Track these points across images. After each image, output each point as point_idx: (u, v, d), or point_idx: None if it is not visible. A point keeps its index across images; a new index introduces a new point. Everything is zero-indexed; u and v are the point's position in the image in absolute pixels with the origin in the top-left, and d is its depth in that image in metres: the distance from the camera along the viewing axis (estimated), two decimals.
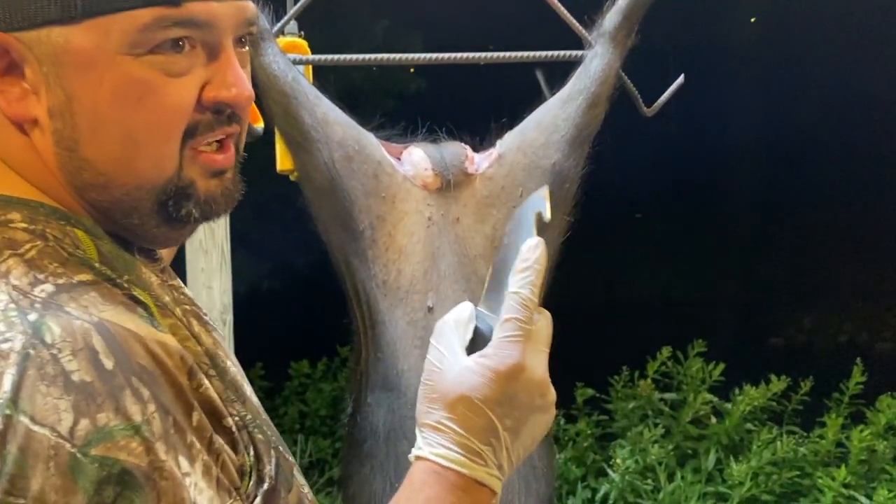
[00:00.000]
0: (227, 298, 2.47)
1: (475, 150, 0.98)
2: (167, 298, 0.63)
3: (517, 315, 0.59)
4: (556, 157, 0.93)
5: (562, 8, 1.04)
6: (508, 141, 0.96)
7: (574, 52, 1.03)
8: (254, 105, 1.00)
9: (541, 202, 0.61)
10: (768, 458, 3.09)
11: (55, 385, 0.47)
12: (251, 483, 0.58)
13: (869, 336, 5.54)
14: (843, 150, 4.88)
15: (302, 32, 1.12)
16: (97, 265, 0.56)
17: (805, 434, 3.22)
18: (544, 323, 0.62)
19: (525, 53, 1.04)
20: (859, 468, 2.91)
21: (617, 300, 5.15)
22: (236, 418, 0.60)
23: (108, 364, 0.49)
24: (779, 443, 3.10)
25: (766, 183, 5.25)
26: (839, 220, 5.16)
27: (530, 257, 0.60)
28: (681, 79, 1.08)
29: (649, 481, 3.21)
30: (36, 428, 0.46)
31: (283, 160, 0.95)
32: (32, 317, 0.49)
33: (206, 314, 0.70)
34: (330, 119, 0.93)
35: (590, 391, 3.62)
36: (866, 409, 3.29)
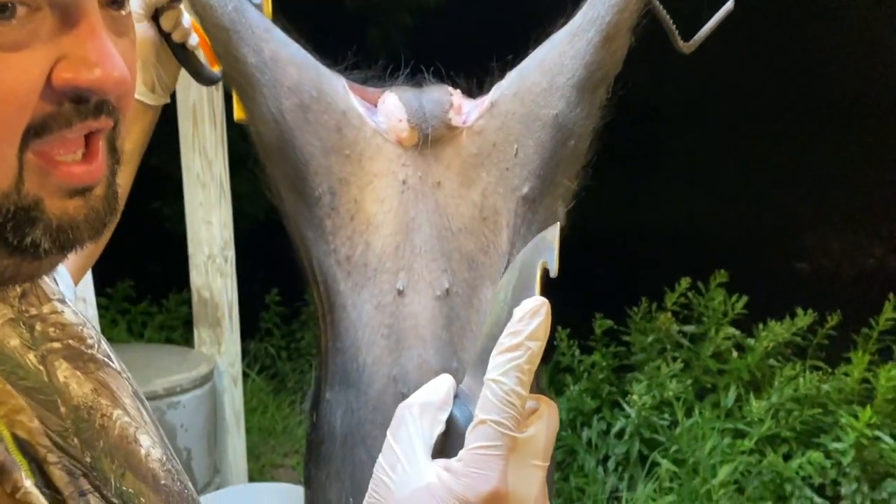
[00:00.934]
0: (228, 233, 2.37)
1: (471, 95, 0.78)
2: (14, 342, 0.48)
3: (496, 416, 0.43)
4: (560, 105, 0.74)
5: None
6: (504, 85, 0.76)
7: None
8: (205, 40, 0.84)
9: (549, 250, 0.45)
10: (790, 395, 3.00)
11: None
12: None
13: None
14: (872, 73, 4.60)
15: None
16: None
17: (830, 371, 3.11)
18: (541, 425, 0.45)
19: None
20: (885, 407, 2.81)
21: (637, 229, 5.00)
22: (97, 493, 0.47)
23: None
24: (801, 379, 3.00)
25: (790, 107, 5.01)
26: (866, 141, 4.93)
27: (522, 330, 0.44)
28: (729, 4, 0.85)
29: (666, 416, 3.15)
30: None
31: (238, 108, 0.79)
32: None
33: (92, 343, 0.56)
34: (281, 58, 0.73)
35: (607, 322, 3.53)
36: (895, 344, 3.17)
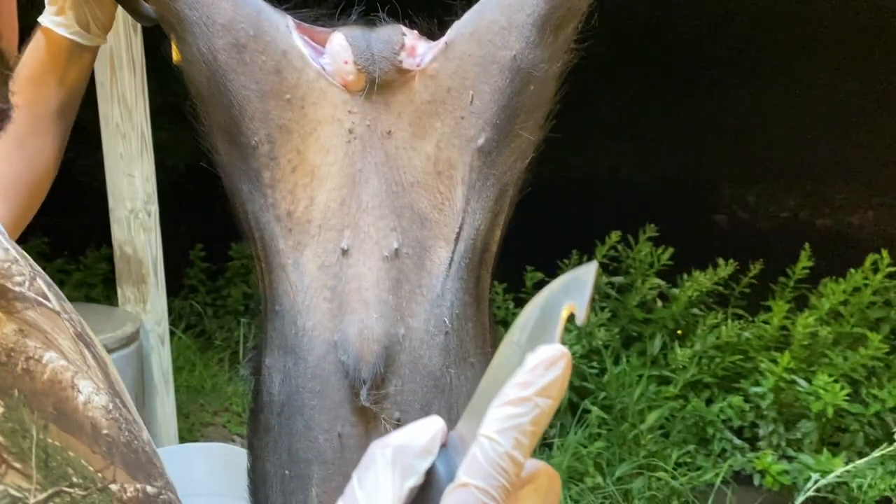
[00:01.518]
0: (151, 187, 2.24)
1: (431, 36, 0.69)
2: None
3: (482, 482, 0.35)
4: (518, 46, 0.66)
5: None
6: (462, 24, 0.68)
7: None
8: None
9: (580, 291, 0.39)
10: (712, 343, 3.11)
11: None
12: None
13: (811, 213, 5.64)
14: (792, 21, 4.72)
15: None
16: None
17: (751, 319, 3.24)
18: (536, 500, 0.37)
19: None
20: (801, 352, 2.94)
21: (566, 182, 5.04)
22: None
23: None
24: (723, 327, 3.11)
25: (712, 59, 5.11)
26: (783, 95, 5.08)
27: (534, 382, 0.36)
28: None
29: (595, 364, 3.22)
30: None
31: (176, 50, 0.71)
32: None
33: (22, 280, 0.50)
34: None
35: (538, 275, 3.57)
36: (810, 293, 3.31)
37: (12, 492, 0.40)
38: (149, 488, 0.48)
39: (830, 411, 2.62)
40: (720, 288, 3.37)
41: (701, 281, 3.31)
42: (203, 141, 0.71)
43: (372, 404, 0.63)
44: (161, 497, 0.50)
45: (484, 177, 0.67)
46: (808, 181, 5.62)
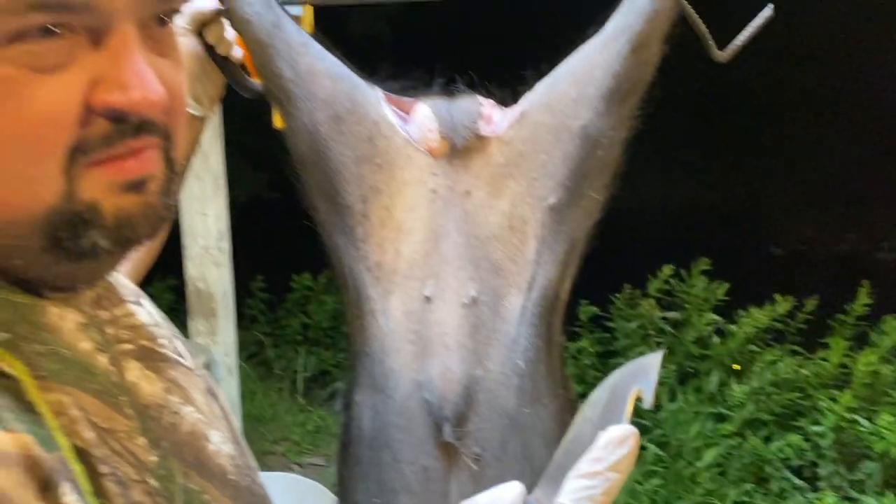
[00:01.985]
0: (223, 225, 2.37)
1: (505, 104, 0.78)
2: (85, 345, 0.49)
3: None
4: (588, 116, 0.73)
5: None
6: (535, 95, 0.77)
7: None
8: (249, 56, 0.85)
9: (647, 379, 0.44)
10: (770, 379, 3.07)
11: None
12: None
13: (870, 247, 5.50)
14: (847, 60, 4.67)
15: None
16: None
17: (808, 356, 3.19)
18: None
19: None
20: (862, 391, 2.89)
21: (619, 215, 5.05)
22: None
23: None
24: (781, 364, 3.08)
25: (767, 92, 5.06)
26: (840, 127, 5.00)
27: (606, 458, 0.41)
28: (767, 11, 0.82)
29: None
30: None
31: (277, 117, 0.80)
32: None
33: (164, 342, 0.57)
34: (317, 71, 0.75)
35: (592, 309, 3.58)
36: (870, 329, 3.26)
37: None
38: None
39: (894, 452, 2.56)
40: (777, 324, 3.33)
41: (758, 317, 3.28)
42: (303, 200, 0.79)
43: (454, 440, 0.70)
44: None
45: (555, 232, 0.74)
46: (868, 214, 5.50)
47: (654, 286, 3.49)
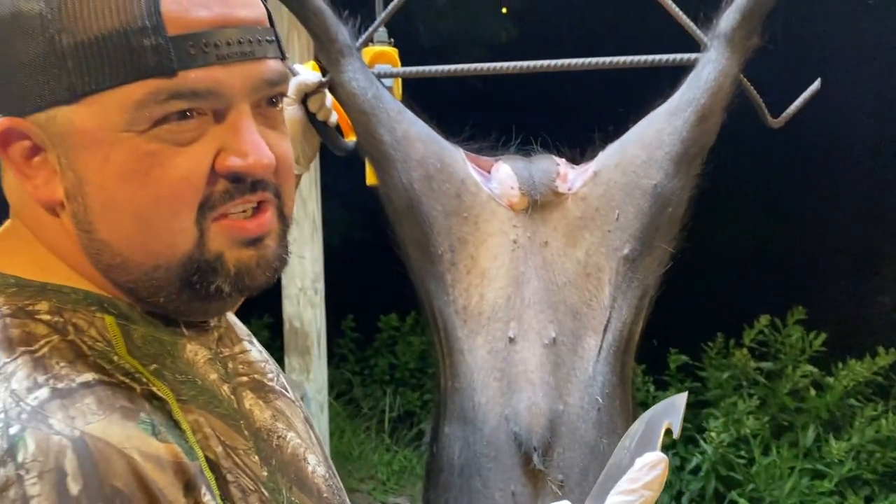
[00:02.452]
0: (319, 267, 2.51)
1: (575, 162, 0.88)
2: (213, 376, 0.59)
3: None
4: (659, 177, 0.83)
5: (674, 6, 0.88)
6: (606, 156, 0.87)
7: (687, 56, 0.89)
8: (346, 118, 0.96)
9: (676, 415, 0.52)
10: (871, 436, 2.93)
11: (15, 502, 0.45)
12: None
13: None
14: None
15: (392, 40, 1.05)
16: (117, 358, 0.54)
17: None
18: None
19: (632, 58, 0.90)
20: None
21: (713, 263, 4.95)
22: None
23: (74, 489, 0.46)
24: (884, 420, 2.94)
25: (873, 141, 4.89)
26: None
27: (641, 478, 0.50)
28: (816, 84, 0.92)
29: (743, 454, 3.11)
30: None
31: (371, 174, 0.91)
32: (14, 429, 0.47)
33: (272, 377, 0.67)
34: (411, 135, 0.86)
35: (683, 357, 3.52)
36: None
37: None
38: None
39: None
40: (879, 378, 3.18)
41: (858, 370, 3.15)
42: (397, 249, 0.88)
43: (542, 467, 0.77)
44: None
45: (629, 280, 0.81)
46: None
47: (748, 335, 3.41)
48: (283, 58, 0.59)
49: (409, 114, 0.88)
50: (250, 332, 0.71)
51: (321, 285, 2.50)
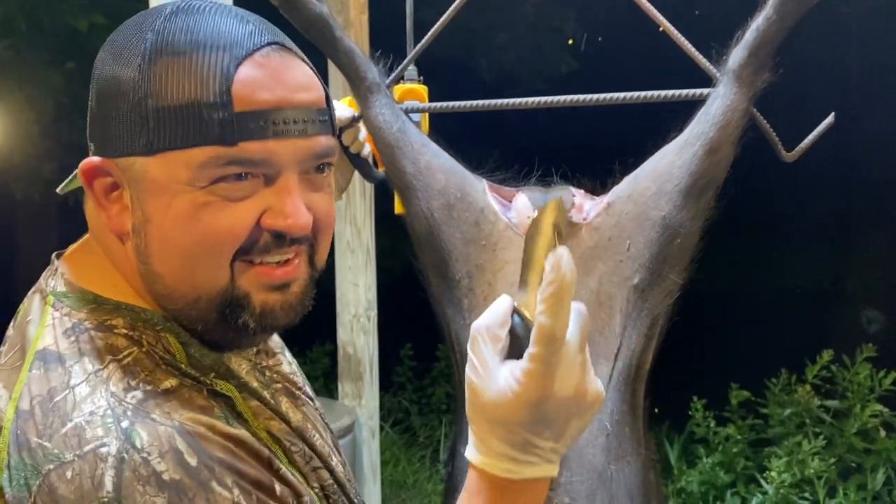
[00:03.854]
0: (372, 295, 2.57)
1: (596, 194, 0.91)
2: (255, 384, 0.70)
3: (542, 350, 0.57)
4: (668, 208, 0.85)
5: (686, 42, 0.92)
6: (620, 188, 0.89)
7: (700, 91, 0.92)
8: (376, 150, 1.03)
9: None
10: None
11: (150, 484, 0.55)
12: None
13: None
14: None
15: (421, 77, 1.11)
16: (184, 367, 0.64)
17: None
18: (574, 339, 0.59)
19: (646, 94, 0.93)
20: None
21: (777, 297, 4.80)
22: (316, 488, 0.68)
23: (192, 462, 0.56)
24: None
25: None
26: None
27: (555, 279, 0.57)
28: (830, 119, 0.93)
29: (807, 496, 2.99)
30: None
31: (398, 204, 0.97)
32: (125, 424, 0.57)
33: (300, 387, 0.77)
34: (433, 167, 0.90)
35: (744, 393, 3.41)
36: None
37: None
38: None
39: None
40: None
41: None
42: (420, 275, 0.92)
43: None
44: None
45: (638, 309, 0.82)
46: None
47: (810, 371, 3.30)
48: (333, 133, 0.67)
49: (433, 147, 0.93)
50: (283, 344, 0.82)
51: (374, 313, 2.56)
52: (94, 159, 0.63)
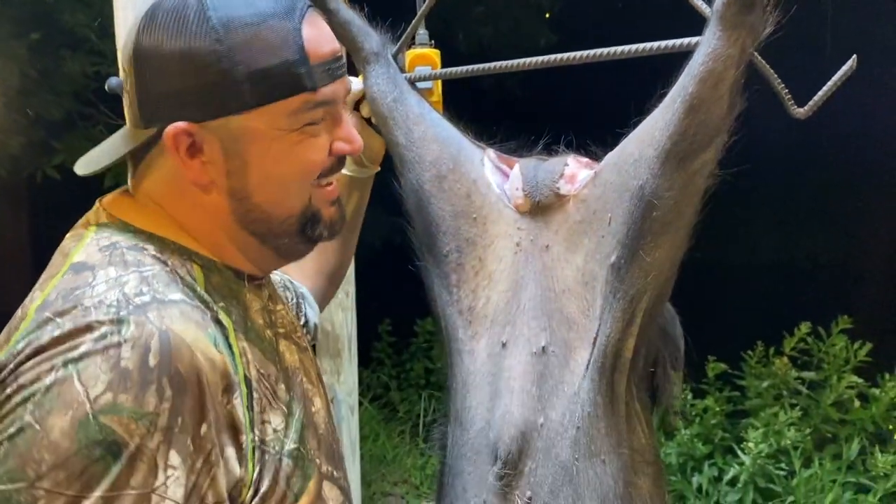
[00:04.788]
0: (350, 271, 2.52)
1: (599, 159, 0.81)
2: (260, 321, 0.80)
3: None
4: (645, 176, 0.74)
5: None
6: (610, 156, 0.80)
7: (690, 40, 0.77)
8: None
9: None
10: None
11: (107, 363, 0.63)
12: (249, 494, 0.71)
13: None
14: None
15: (433, 42, 1.04)
16: (199, 289, 0.73)
17: None
18: None
19: (638, 46, 0.80)
20: None
21: (752, 269, 4.84)
22: (257, 440, 0.73)
23: (152, 362, 0.64)
24: None
25: None
26: None
27: None
28: (850, 63, 0.76)
29: (783, 465, 3.03)
30: (76, 384, 0.62)
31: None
32: (122, 313, 0.66)
33: (300, 334, 0.87)
34: (428, 137, 0.85)
35: (721, 366, 3.44)
36: None
37: (272, 428, 0.74)
38: (335, 473, 0.81)
39: None
40: None
41: None
42: (415, 248, 0.88)
43: (505, 480, 0.74)
44: (340, 482, 0.81)
45: (614, 290, 0.76)
46: None
47: (788, 344, 3.33)
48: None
49: (432, 116, 0.88)
50: (289, 298, 0.96)
51: (352, 288, 2.51)
52: (180, 125, 0.72)
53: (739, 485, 2.98)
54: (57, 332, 0.65)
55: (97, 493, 0.61)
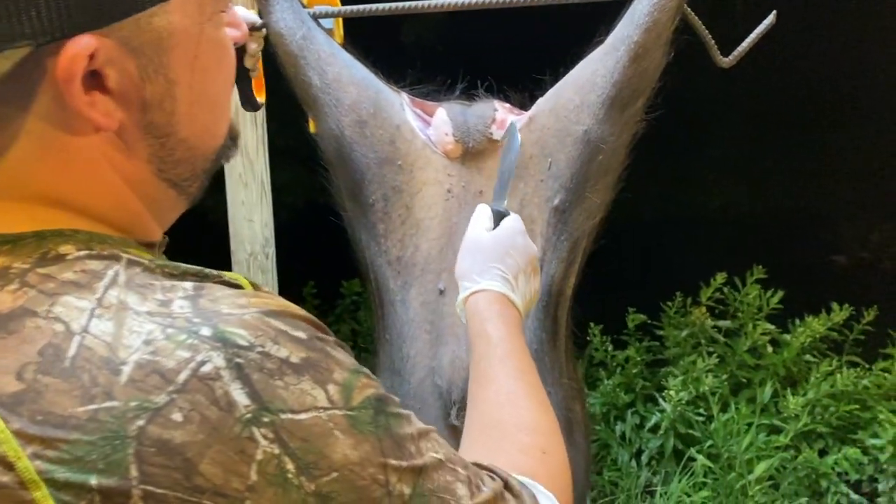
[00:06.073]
0: (269, 232, 2.43)
1: (524, 106, 0.83)
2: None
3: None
4: (589, 122, 0.77)
5: None
6: (543, 101, 0.81)
7: None
8: (261, 75, 0.91)
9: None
10: (826, 391, 2.99)
11: (286, 374, 0.47)
12: None
13: None
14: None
15: None
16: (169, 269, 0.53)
17: (868, 367, 3.10)
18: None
19: None
20: None
21: (670, 221, 4.97)
22: None
23: (303, 335, 0.50)
24: (838, 375, 2.99)
25: (828, 94, 4.91)
26: None
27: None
28: (770, 18, 0.83)
29: (701, 411, 3.16)
30: (302, 416, 0.47)
31: (313, 123, 0.86)
32: (205, 331, 0.46)
33: None
34: (343, 79, 0.80)
35: (641, 317, 3.53)
36: None
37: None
38: None
39: None
40: (835, 334, 3.24)
41: (814, 326, 3.20)
42: (334, 198, 0.84)
43: (461, 420, 0.73)
44: None
45: (558, 232, 0.77)
46: None
47: (704, 294, 3.44)
48: None
49: (344, 56, 0.82)
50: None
51: (272, 250, 2.44)
52: (80, 40, 0.48)
53: (661, 431, 3.09)
54: (179, 418, 0.43)
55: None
